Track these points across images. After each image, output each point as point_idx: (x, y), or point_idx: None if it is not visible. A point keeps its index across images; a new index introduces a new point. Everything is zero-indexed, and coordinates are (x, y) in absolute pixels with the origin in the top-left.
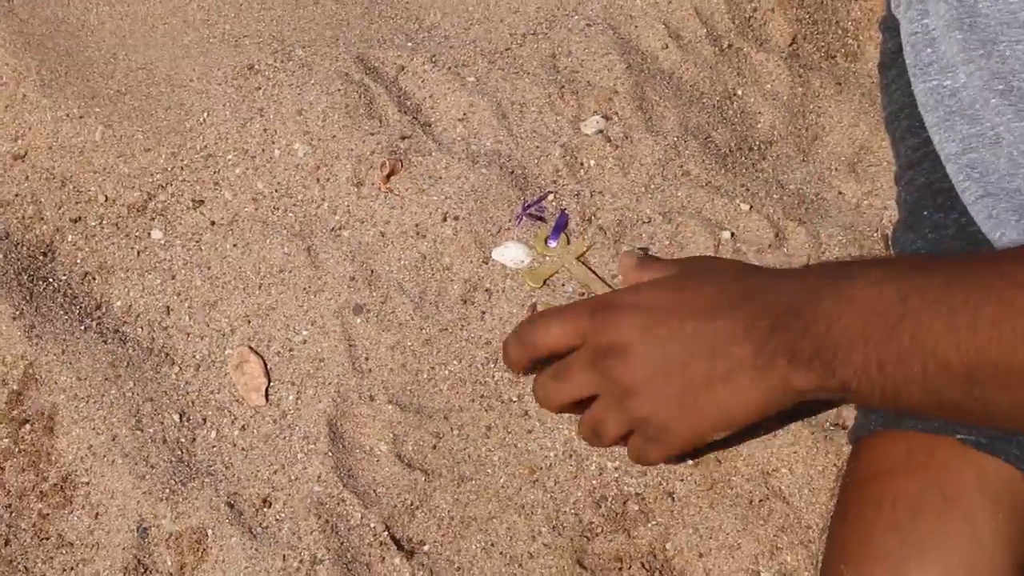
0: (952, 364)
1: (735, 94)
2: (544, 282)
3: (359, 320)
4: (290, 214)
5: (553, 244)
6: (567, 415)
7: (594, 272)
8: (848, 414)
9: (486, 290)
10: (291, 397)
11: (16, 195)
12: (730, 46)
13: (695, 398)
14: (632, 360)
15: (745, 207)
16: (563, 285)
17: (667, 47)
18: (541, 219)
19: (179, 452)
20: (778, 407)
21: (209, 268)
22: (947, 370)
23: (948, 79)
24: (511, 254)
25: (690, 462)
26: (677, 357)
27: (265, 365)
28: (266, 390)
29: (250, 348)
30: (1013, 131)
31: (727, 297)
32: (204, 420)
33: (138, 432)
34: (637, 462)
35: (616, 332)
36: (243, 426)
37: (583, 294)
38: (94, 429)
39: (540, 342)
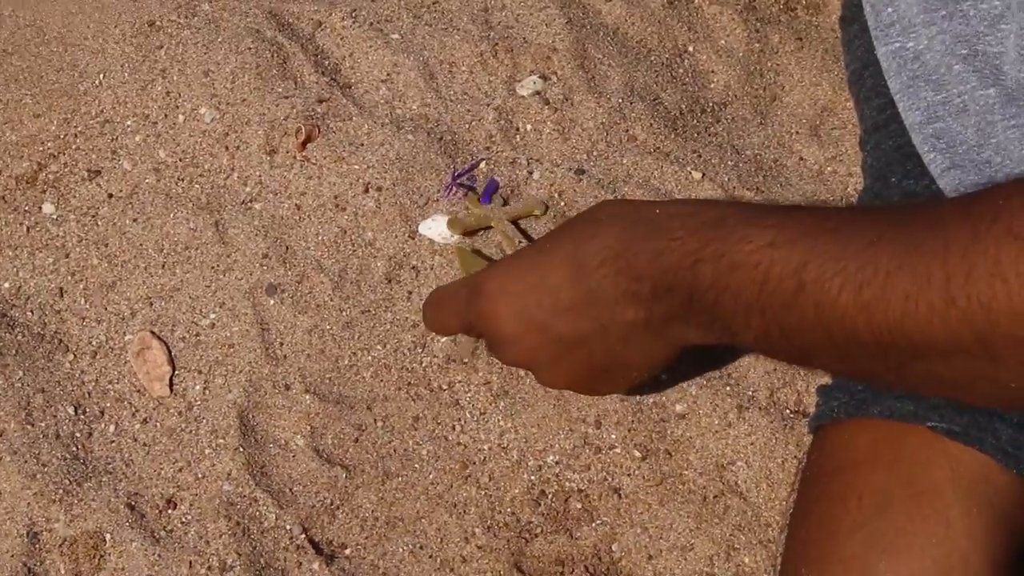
0: (863, 338)
1: (686, 51)
2: (465, 233)
3: (273, 301)
4: (196, 185)
5: (486, 203)
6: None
7: (526, 236)
8: (809, 400)
9: (412, 268)
10: (198, 387)
11: None
12: None
13: (599, 369)
14: (519, 350)
15: (697, 175)
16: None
17: (611, 0)
18: (472, 189)
19: (74, 448)
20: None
21: (106, 245)
22: (857, 342)
23: (911, 40)
24: (440, 228)
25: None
26: (568, 336)
27: (169, 352)
28: (170, 379)
29: (152, 333)
30: (978, 100)
31: (594, 255)
32: (102, 413)
33: (28, 427)
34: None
35: (496, 326)
36: (145, 419)
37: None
38: None
39: (435, 328)
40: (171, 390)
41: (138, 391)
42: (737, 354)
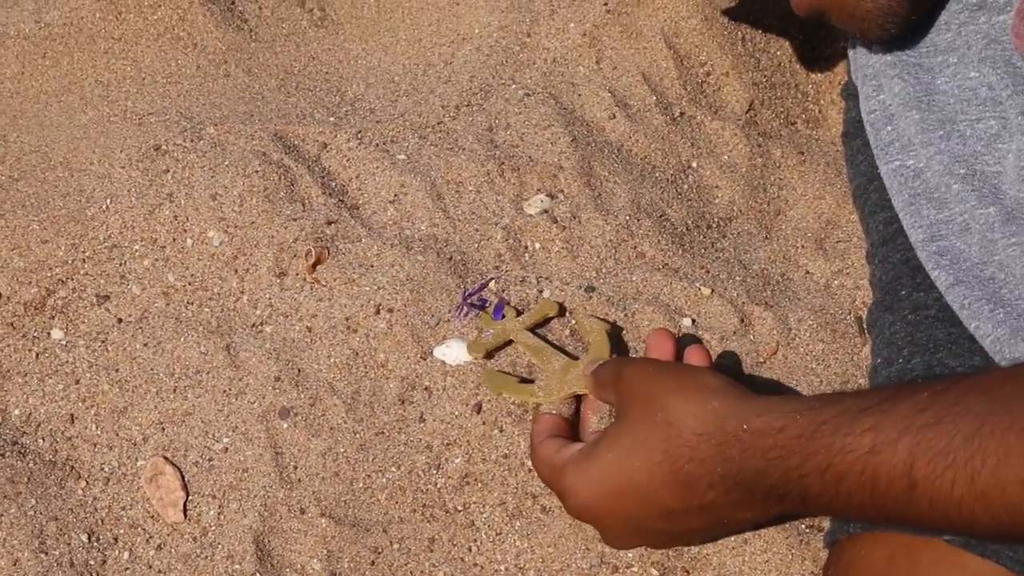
0: (982, 520)
1: (690, 167)
2: (488, 353)
3: (286, 425)
4: (206, 309)
5: (498, 318)
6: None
7: (546, 341)
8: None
9: (425, 389)
10: (212, 512)
11: None
12: (682, 114)
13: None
14: (622, 536)
15: (706, 291)
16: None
17: (614, 117)
18: (483, 308)
19: None
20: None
21: (117, 371)
22: (978, 524)
23: (910, 159)
24: (456, 353)
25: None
26: (675, 532)
27: (182, 477)
28: (184, 505)
29: (165, 458)
30: (978, 218)
31: (698, 476)
32: (115, 539)
33: (42, 555)
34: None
35: (604, 528)
36: (159, 545)
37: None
38: None
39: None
40: (185, 516)
41: (152, 517)
42: None
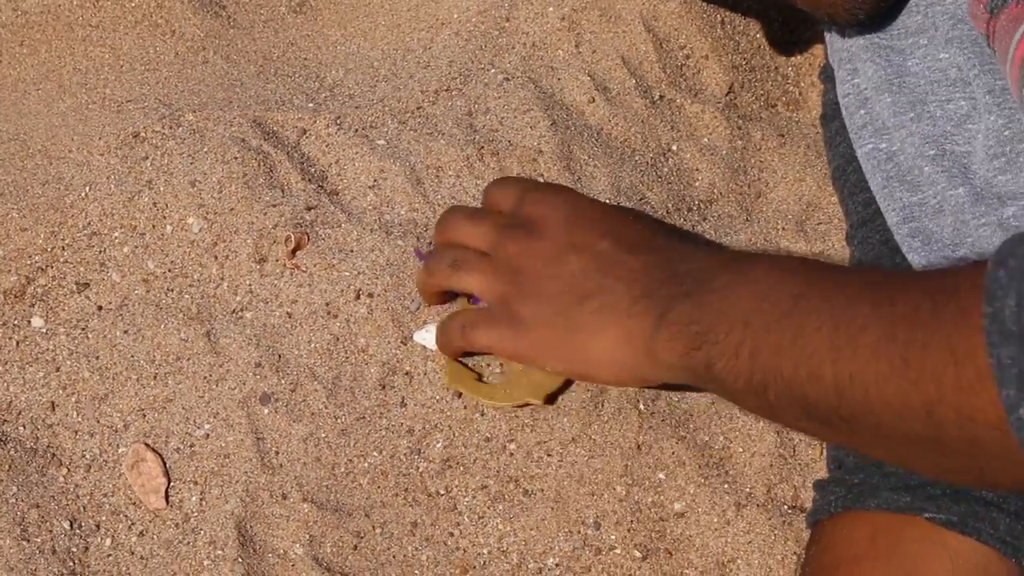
0: (825, 377)
1: (670, 149)
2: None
3: (267, 410)
4: (186, 296)
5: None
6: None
7: None
8: (806, 495)
9: (406, 373)
10: (194, 498)
11: None
12: (662, 97)
13: (563, 312)
14: (539, 241)
15: None
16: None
17: (594, 100)
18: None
19: (71, 563)
20: (629, 373)
21: (97, 358)
22: (819, 381)
23: (883, 142)
24: (434, 337)
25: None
26: (575, 263)
27: (164, 463)
28: (166, 491)
29: (146, 445)
30: (949, 200)
31: (648, 239)
32: (97, 527)
33: (24, 543)
34: (450, 333)
35: (542, 206)
36: (141, 532)
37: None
38: None
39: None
40: (167, 502)
41: (134, 504)
42: (733, 450)
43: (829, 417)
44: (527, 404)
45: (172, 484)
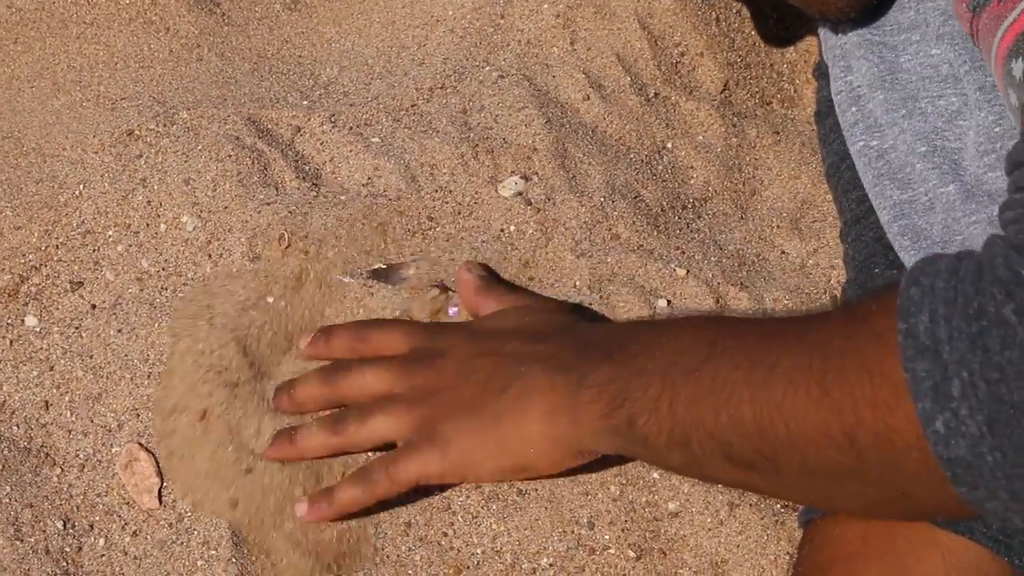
0: (745, 419)
1: (664, 147)
2: None
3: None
4: (180, 295)
5: (453, 312)
6: None
7: None
8: None
9: None
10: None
11: None
12: (657, 95)
13: (483, 409)
14: (447, 361)
15: (681, 272)
16: None
17: (588, 98)
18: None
19: (64, 564)
20: (562, 448)
21: (91, 357)
22: (740, 424)
23: (875, 139)
24: None
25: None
26: (487, 365)
27: (157, 463)
28: (159, 491)
29: (140, 445)
30: (940, 197)
31: (555, 324)
32: (91, 526)
33: (17, 543)
34: (374, 482)
35: (439, 336)
36: (135, 532)
37: None
38: None
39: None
40: (160, 502)
41: (127, 504)
42: None
43: (754, 460)
44: None
45: (165, 484)
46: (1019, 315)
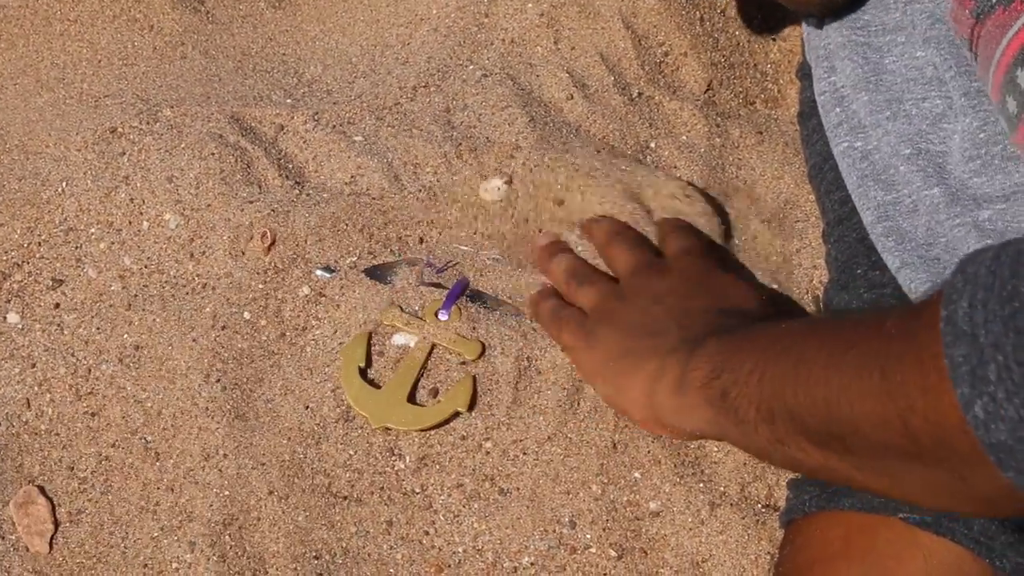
0: (818, 399)
1: (648, 147)
2: (391, 324)
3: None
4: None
5: (444, 316)
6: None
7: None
8: (780, 494)
9: (379, 371)
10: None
11: None
12: (640, 95)
13: (627, 340)
14: (660, 280)
15: None
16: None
17: (572, 97)
18: (438, 285)
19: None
20: (653, 408)
21: (73, 355)
22: (814, 403)
23: (859, 140)
24: (400, 340)
25: None
26: (660, 311)
27: (54, 509)
28: (51, 538)
29: (39, 489)
30: (924, 200)
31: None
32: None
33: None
34: (542, 312)
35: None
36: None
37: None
38: None
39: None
40: (50, 548)
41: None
42: (708, 449)
43: (826, 439)
44: (455, 415)
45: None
46: None
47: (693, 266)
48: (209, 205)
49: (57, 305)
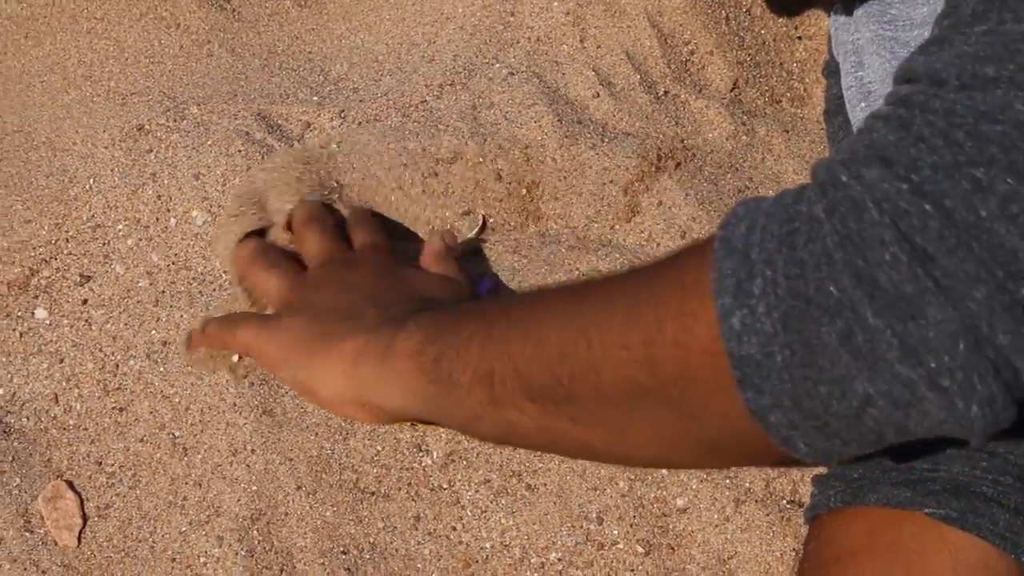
0: (550, 341)
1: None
2: None
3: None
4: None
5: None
6: None
7: None
8: (804, 490)
9: None
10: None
11: None
12: (666, 93)
13: (320, 322)
14: (351, 273)
15: None
16: None
17: (598, 96)
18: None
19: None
20: (354, 388)
21: (101, 350)
22: (544, 349)
23: None
24: None
25: None
26: (351, 296)
27: (83, 505)
28: (80, 532)
29: (68, 484)
30: None
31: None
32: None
33: (27, 534)
34: (210, 329)
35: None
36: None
37: None
38: None
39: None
40: (79, 542)
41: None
42: None
43: (551, 392)
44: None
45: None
46: (829, 212)
47: (383, 260)
48: None
49: (85, 301)
